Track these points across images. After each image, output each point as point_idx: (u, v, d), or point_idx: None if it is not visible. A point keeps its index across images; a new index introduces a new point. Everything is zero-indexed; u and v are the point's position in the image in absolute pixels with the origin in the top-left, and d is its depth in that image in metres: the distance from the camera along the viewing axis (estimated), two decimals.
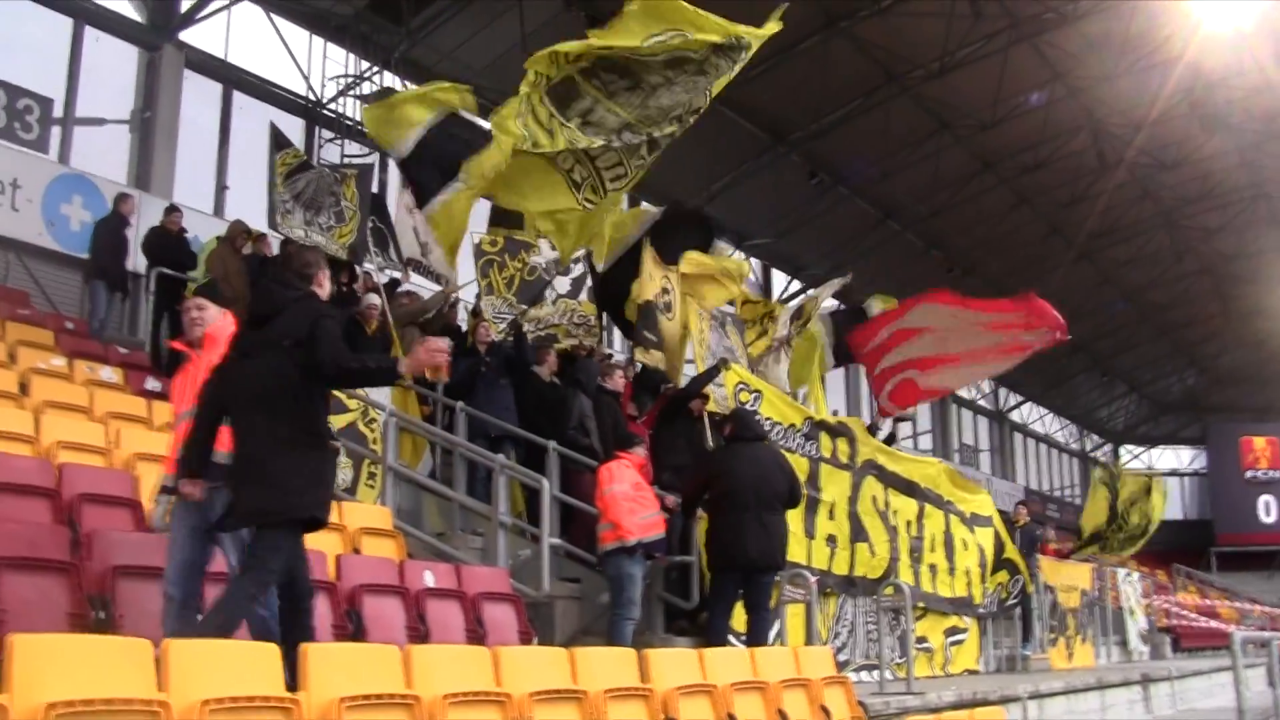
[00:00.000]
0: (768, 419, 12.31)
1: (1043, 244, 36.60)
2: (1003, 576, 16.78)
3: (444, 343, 6.70)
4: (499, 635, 8.93)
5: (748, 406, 11.96)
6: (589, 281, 16.02)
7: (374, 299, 14.42)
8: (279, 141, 15.67)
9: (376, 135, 13.13)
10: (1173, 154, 32.63)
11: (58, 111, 18.23)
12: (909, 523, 14.82)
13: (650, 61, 12.01)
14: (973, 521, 16.29)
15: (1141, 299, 43.63)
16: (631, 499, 10.25)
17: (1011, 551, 17.05)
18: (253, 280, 14.33)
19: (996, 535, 16.73)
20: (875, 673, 12.67)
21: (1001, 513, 17.80)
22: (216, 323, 7.22)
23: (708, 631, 10.45)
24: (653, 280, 14.70)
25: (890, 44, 26.25)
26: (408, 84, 23.46)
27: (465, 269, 16.96)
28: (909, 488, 14.94)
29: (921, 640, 14.64)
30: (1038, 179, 33.01)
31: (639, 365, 15.70)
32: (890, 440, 17.03)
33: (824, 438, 13.39)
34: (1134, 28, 26.25)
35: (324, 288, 7.19)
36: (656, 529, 10.44)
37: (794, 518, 12.23)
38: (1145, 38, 26.62)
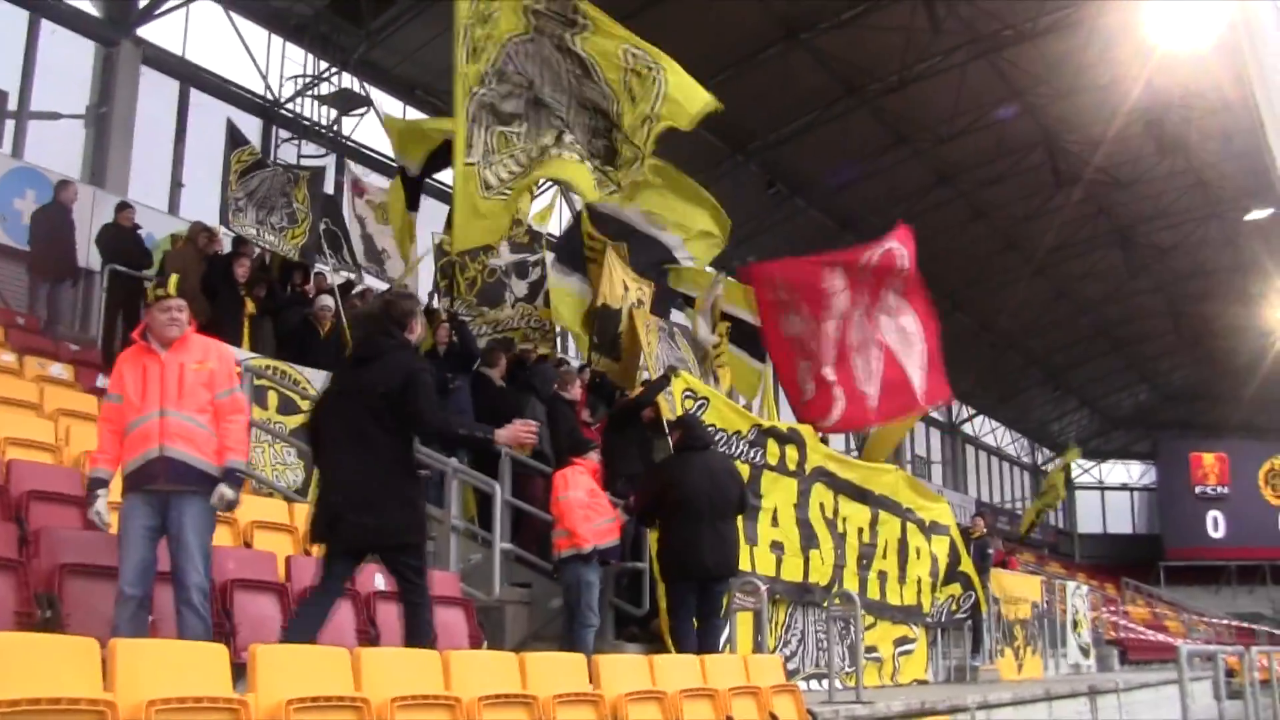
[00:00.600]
0: (713, 425, 12.32)
1: (999, 258, 36.90)
2: (955, 589, 16.85)
3: (534, 425, 7.54)
4: (449, 639, 8.88)
5: (692, 413, 11.99)
6: (546, 286, 16.01)
7: (327, 300, 14.39)
8: (235, 139, 15.63)
9: (401, 150, 13.27)
10: (1129, 172, 32.91)
11: (12, 105, 18.09)
12: (860, 529, 14.85)
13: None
14: (931, 530, 16.35)
15: (1095, 314, 43.98)
16: (586, 506, 10.22)
17: (967, 565, 17.11)
18: (205, 278, 14.28)
19: (952, 545, 16.78)
20: (824, 682, 12.71)
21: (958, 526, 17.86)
22: (189, 328, 7.31)
23: (673, 639, 10.41)
24: (614, 287, 14.72)
25: (850, 57, 26.37)
26: (366, 85, 23.43)
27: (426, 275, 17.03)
28: (861, 494, 14.97)
29: (871, 650, 14.67)
30: (995, 194, 33.27)
31: (589, 371, 15.70)
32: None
33: (771, 444, 13.40)
34: (1092, 47, 26.49)
35: (415, 333, 7.86)
36: (611, 536, 10.41)
37: None
38: (1104, 57, 26.86)
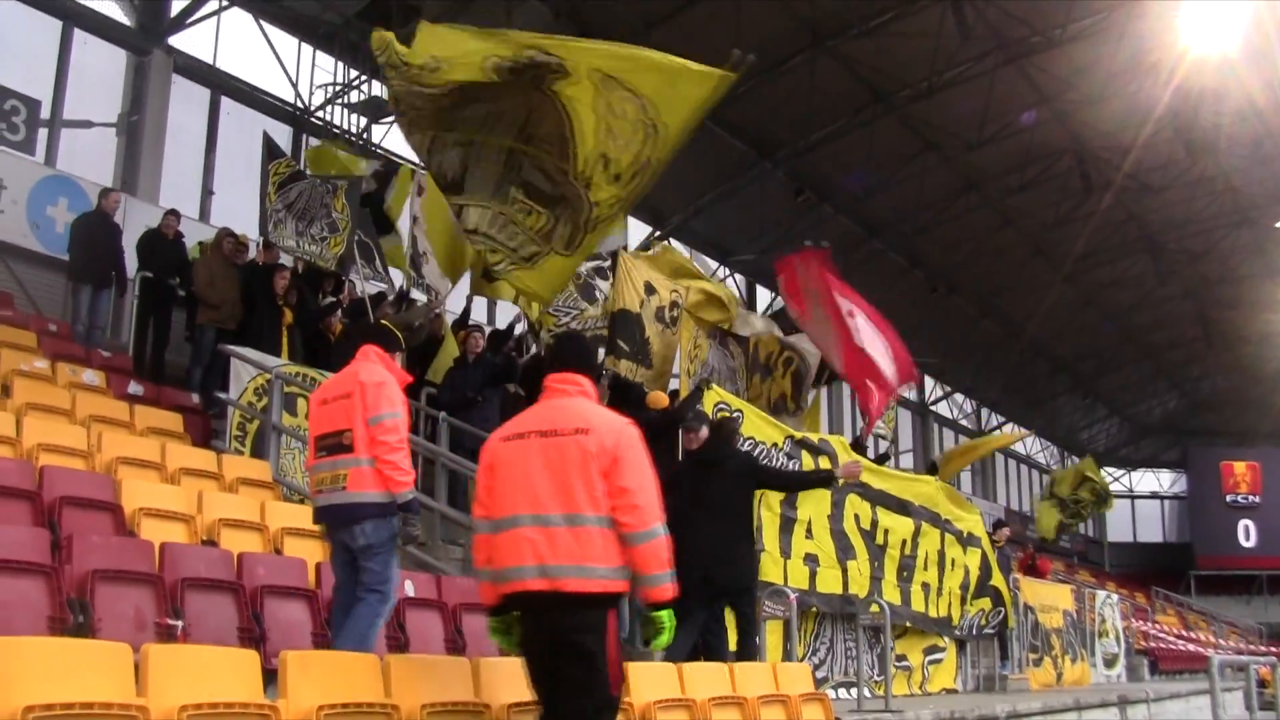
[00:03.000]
0: (749, 438, 12.32)
1: (1027, 265, 36.76)
2: (985, 603, 16.79)
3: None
4: (479, 646, 8.90)
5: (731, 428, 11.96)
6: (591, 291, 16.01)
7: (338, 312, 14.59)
8: (272, 151, 15.71)
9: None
10: (1158, 178, 32.74)
11: (45, 113, 18.17)
12: (904, 541, 14.81)
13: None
14: (967, 541, 16.32)
15: (1125, 321, 43.77)
16: None
17: (998, 579, 17.06)
18: (244, 289, 14.37)
19: (984, 558, 16.74)
20: (853, 690, 12.67)
21: None
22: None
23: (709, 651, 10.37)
24: (633, 291, 14.69)
25: (877, 63, 26.32)
26: None
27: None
28: (902, 506, 14.94)
29: (900, 659, 14.64)
30: (1023, 200, 33.12)
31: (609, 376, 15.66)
32: (883, 460, 17.02)
33: (805, 456, 13.41)
34: (1121, 52, 26.36)
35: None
36: None
37: (770, 538, 12.25)
38: (1132, 63, 26.74)
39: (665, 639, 5.95)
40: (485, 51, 10.47)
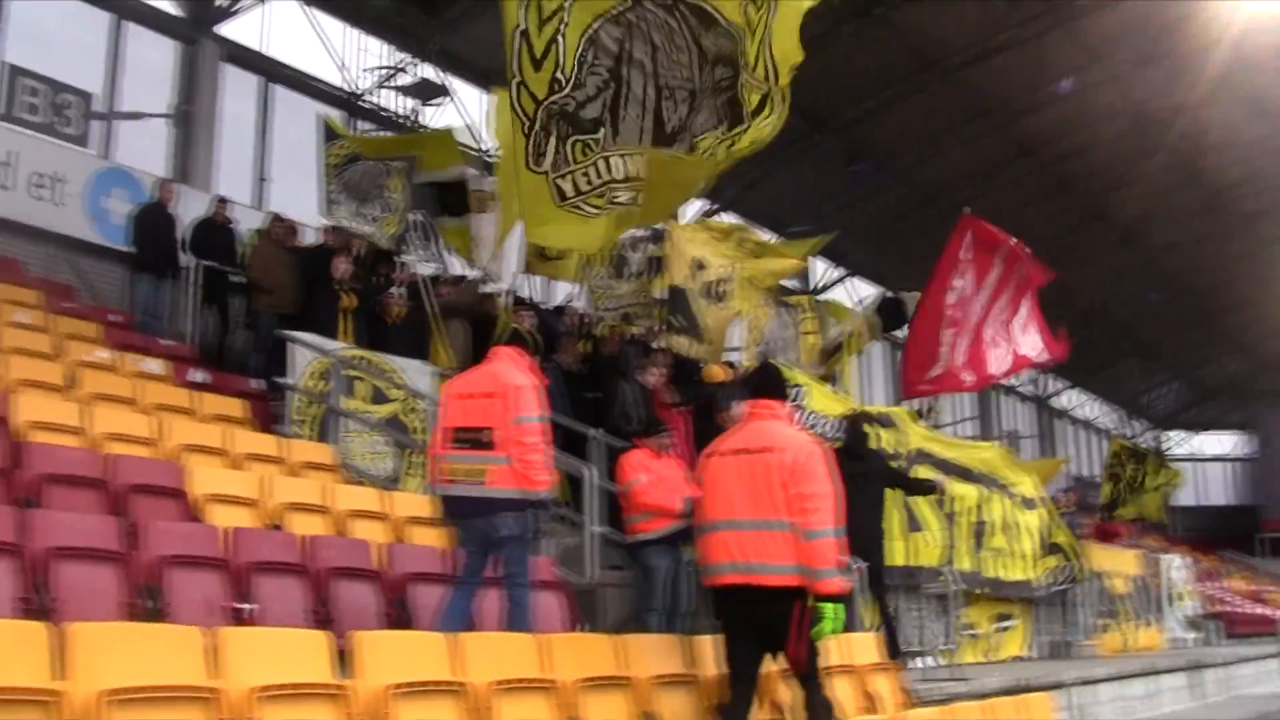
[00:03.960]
0: (813, 412, 12.29)
1: (1083, 229, 36.38)
2: (1052, 561, 16.71)
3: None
4: (546, 623, 8.92)
5: (790, 401, 11.92)
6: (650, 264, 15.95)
7: (394, 290, 14.55)
8: (329, 134, 15.75)
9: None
10: (1213, 138, 32.31)
11: (99, 106, 18.32)
12: (970, 509, 14.75)
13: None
14: (1026, 504, 16.24)
15: (1184, 284, 43.26)
16: (649, 491, 10.07)
17: (1059, 535, 16.96)
18: (303, 273, 14.43)
19: (1042, 518, 16.66)
20: (923, 659, 12.63)
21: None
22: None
23: None
24: (682, 264, 14.64)
25: (927, 30, 26.10)
26: (445, 75, 23.52)
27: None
28: (966, 474, 14.88)
29: (969, 627, 14.58)
30: (1078, 164, 32.81)
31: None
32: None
33: (869, 430, 13.36)
34: (1173, 11, 25.97)
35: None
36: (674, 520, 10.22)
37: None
38: (1185, 21, 26.33)
39: (828, 627, 6.71)
40: None
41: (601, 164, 11.26)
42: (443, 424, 8.10)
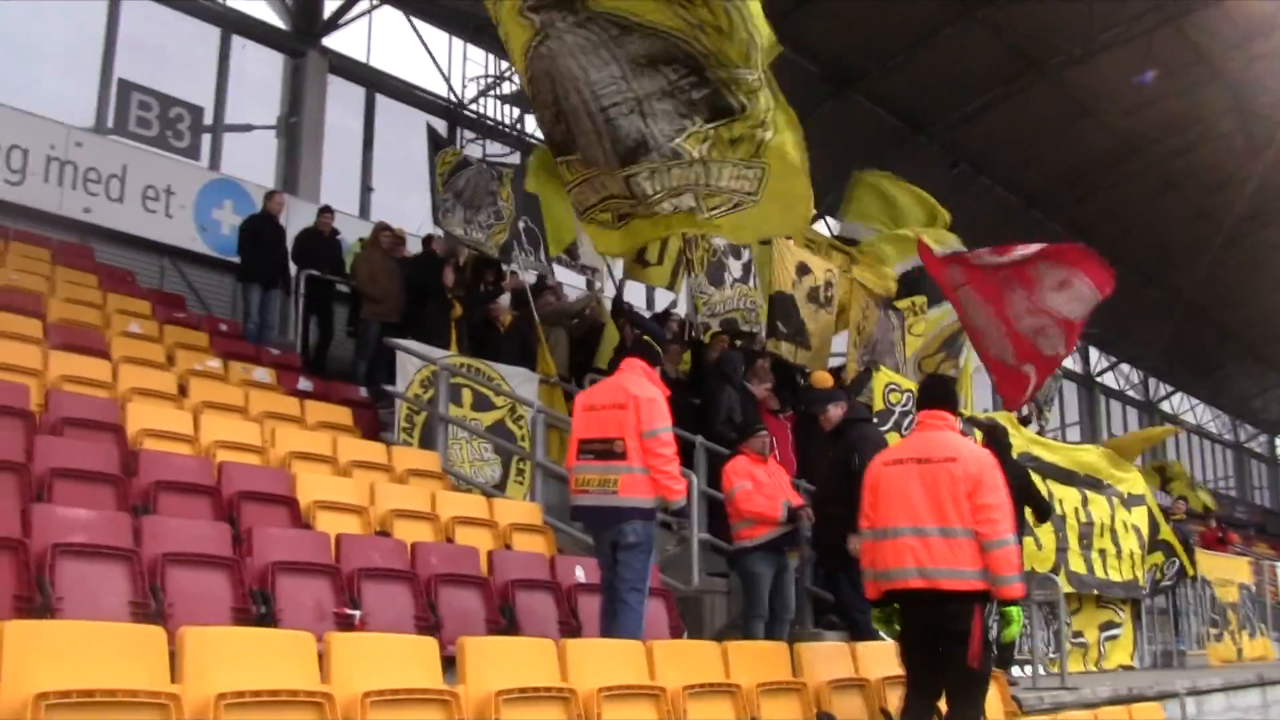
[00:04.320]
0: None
1: (1191, 229, 35.74)
2: (1158, 558, 16.46)
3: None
4: (650, 630, 8.93)
5: (899, 407, 11.87)
6: (754, 269, 15.92)
7: (503, 299, 14.65)
8: (437, 142, 15.89)
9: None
10: None
11: (208, 119, 18.62)
12: (1075, 510, 14.61)
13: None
14: (1130, 502, 16.03)
15: None
16: (752, 498, 10.06)
17: (1166, 532, 16.71)
18: (406, 281, 14.58)
19: (1150, 515, 16.42)
20: (1029, 668, 12.49)
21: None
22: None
23: (860, 630, 10.30)
24: (786, 272, 14.60)
25: (1030, 30, 25.77)
26: None
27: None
28: (1068, 477, 14.73)
29: (1076, 635, 14.40)
30: (1185, 163, 32.24)
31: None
32: (1025, 423, 16.75)
33: (977, 435, 13.25)
34: None
35: None
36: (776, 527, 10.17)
37: None
38: None
39: (1014, 629, 7.41)
40: None
41: (596, 182, 11.13)
42: (574, 436, 8.38)
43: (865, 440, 10.32)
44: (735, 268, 16.20)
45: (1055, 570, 13.43)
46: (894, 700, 8.25)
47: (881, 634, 8.13)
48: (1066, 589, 13.43)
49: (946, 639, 7.07)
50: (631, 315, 13.92)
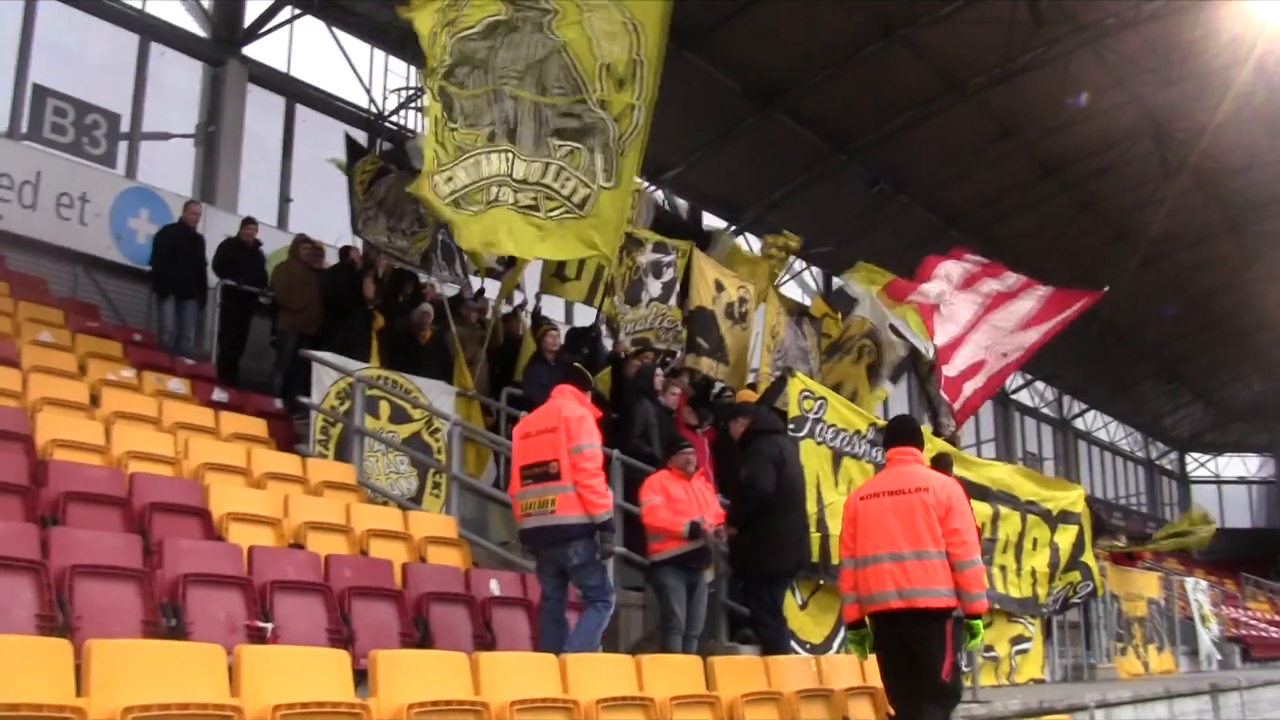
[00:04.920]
0: (832, 425, 12.28)
1: (1107, 250, 36.26)
2: (1074, 576, 16.67)
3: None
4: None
5: (812, 414, 11.94)
6: (678, 288, 15.95)
7: (425, 308, 14.57)
8: (355, 151, 15.81)
9: None
10: (1238, 158, 32.18)
11: (125, 126, 18.44)
12: (983, 525, 14.76)
13: (469, 35, 11.87)
14: (1060, 519, 16.21)
15: (1209, 305, 43.09)
16: (654, 510, 10.08)
17: (1089, 556, 16.93)
18: (325, 293, 14.48)
19: (1080, 534, 16.62)
20: None
21: None
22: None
23: (771, 645, 10.35)
24: (705, 286, 14.66)
25: (951, 51, 26.06)
26: None
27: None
28: (982, 492, 14.87)
29: (988, 649, 14.54)
30: (1101, 184, 32.72)
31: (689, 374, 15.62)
32: (952, 442, 16.95)
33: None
34: (1197, 31, 25.93)
35: None
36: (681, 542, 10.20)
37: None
38: (1209, 41, 26.30)
39: (978, 641, 8.05)
40: None
41: (483, 160, 11.59)
42: (515, 463, 8.77)
43: (756, 454, 10.56)
44: (654, 287, 16.24)
45: None
46: (808, 714, 8.31)
47: (852, 653, 8.85)
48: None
49: (921, 655, 7.71)
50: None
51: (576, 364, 11.36)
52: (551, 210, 11.79)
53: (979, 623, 7.90)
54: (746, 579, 10.65)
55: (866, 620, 8.03)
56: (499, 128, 11.60)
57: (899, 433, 8.54)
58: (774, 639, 10.35)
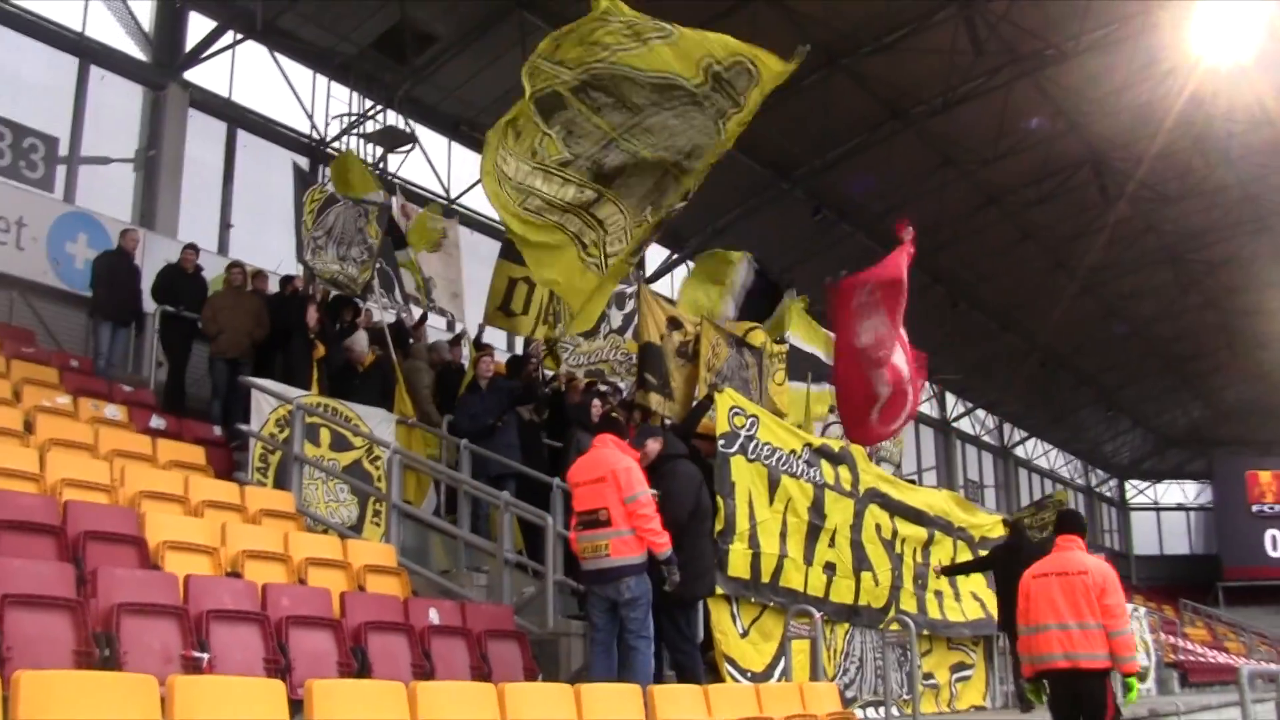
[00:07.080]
0: (766, 443, 12.29)
1: (1047, 277, 36.63)
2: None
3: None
4: (504, 672, 8.92)
5: (744, 430, 11.96)
6: (636, 320, 15.93)
7: (360, 336, 14.53)
8: (304, 180, 15.75)
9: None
10: (1175, 188, 32.60)
11: (63, 150, 18.29)
12: (915, 550, 14.83)
13: (637, 78, 11.38)
14: (981, 545, 16.31)
15: (1147, 332, 43.54)
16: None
17: None
18: (274, 321, 14.39)
19: None
20: (882, 709, 12.62)
21: None
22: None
23: (686, 671, 10.30)
24: (655, 322, 14.66)
25: (893, 80, 26.31)
26: (411, 122, 23.56)
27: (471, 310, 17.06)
28: (918, 516, 14.95)
29: (929, 677, 14.60)
30: (1041, 213, 33.02)
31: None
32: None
33: (825, 465, 13.37)
34: (1135, 63, 26.31)
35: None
36: None
37: (793, 544, 12.25)
38: (1146, 72, 26.66)
39: (1134, 696, 9.11)
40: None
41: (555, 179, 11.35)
42: (574, 509, 9.65)
43: (671, 476, 10.48)
44: (616, 317, 16.28)
45: (886, 608, 13.65)
46: None
47: (1031, 701, 10.71)
48: (894, 627, 13.61)
49: (1088, 705, 8.94)
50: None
51: (613, 414, 12.28)
52: (592, 259, 11.66)
53: (1134, 679, 9.04)
54: (660, 605, 10.55)
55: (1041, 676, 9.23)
56: (584, 162, 11.42)
57: (1066, 523, 9.61)
58: (690, 665, 10.30)
